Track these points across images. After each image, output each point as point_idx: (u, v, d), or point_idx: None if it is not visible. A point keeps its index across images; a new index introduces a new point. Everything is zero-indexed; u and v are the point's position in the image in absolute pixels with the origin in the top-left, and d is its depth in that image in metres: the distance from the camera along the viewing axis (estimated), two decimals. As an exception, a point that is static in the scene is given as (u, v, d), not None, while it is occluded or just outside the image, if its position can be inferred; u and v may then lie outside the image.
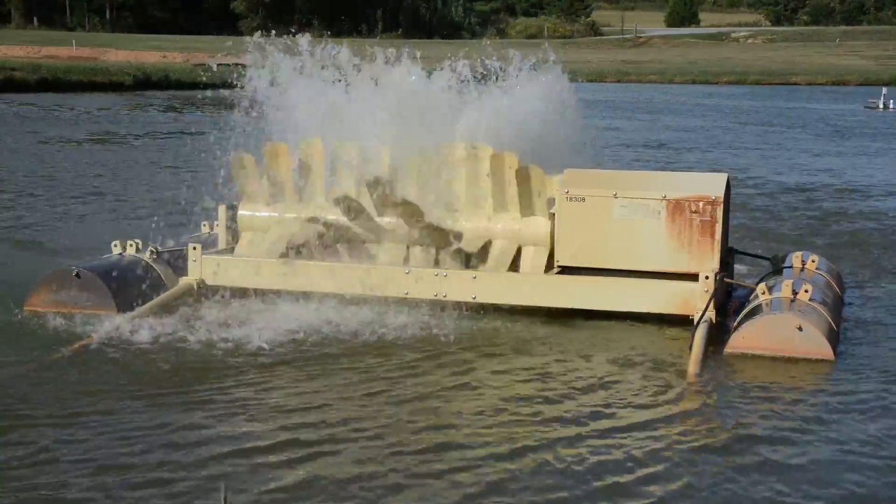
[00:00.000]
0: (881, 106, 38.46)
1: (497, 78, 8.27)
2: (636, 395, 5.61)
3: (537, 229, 7.24)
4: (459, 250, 7.28)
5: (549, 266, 7.22)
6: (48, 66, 42.60)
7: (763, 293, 6.66)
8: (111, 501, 4.16)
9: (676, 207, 6.87)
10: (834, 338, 6.38)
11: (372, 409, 5.29)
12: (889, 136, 26.58)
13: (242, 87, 7.77)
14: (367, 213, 7.38)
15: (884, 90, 39.91)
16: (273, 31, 8.00)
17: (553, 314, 7.06)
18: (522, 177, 7.12)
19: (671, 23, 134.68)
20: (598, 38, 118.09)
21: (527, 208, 7.22)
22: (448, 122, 7.56)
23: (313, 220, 7.41)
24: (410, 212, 7.22)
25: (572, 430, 5.03)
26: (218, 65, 9.03)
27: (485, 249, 7.30)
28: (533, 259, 7.26)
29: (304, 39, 7.93)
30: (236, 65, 8.04)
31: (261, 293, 7.25)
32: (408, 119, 7.39)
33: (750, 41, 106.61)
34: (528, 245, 7.28)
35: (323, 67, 7.92)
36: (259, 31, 8.06)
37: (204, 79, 8.28)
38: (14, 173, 14.97)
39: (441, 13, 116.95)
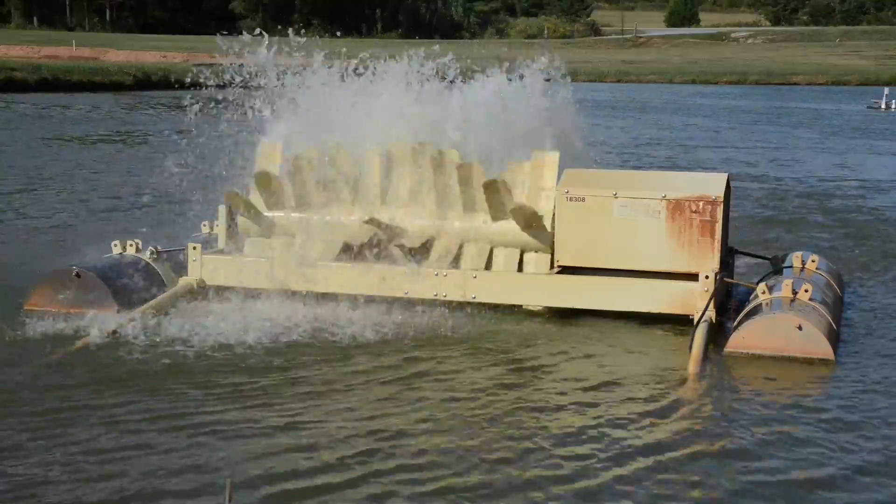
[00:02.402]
0: (884, 106, 38.56)
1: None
2: (636, 394, 5.60)
3: None
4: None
5: None
6: (48, 66, 42.64)
7: (763, 293, 6.66)
8: (113, 500, 4.16)
9: (676, 207, 6.87)
10: (834, 337, 6.38)
11: (372, 408, 5.29)
12: (893, 135, 26.60)
13: (244, 87, 7.76)
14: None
15: (886, 90, 40.00)
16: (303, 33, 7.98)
17: (553, 313, 7.06)
18: None
19: (671, 23, 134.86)
20: (598, 38, 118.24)
21: None
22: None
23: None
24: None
25: (570, 430, 5.02)
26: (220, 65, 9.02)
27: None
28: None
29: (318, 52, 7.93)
30: (240, 65, 8.03)
31: (262, 293, 7.24)
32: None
33: (750, 41, 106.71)
34: None
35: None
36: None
37: (201, 79, 8.24)
38: (14, 172, 14.97)
39: (441, 13, 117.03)
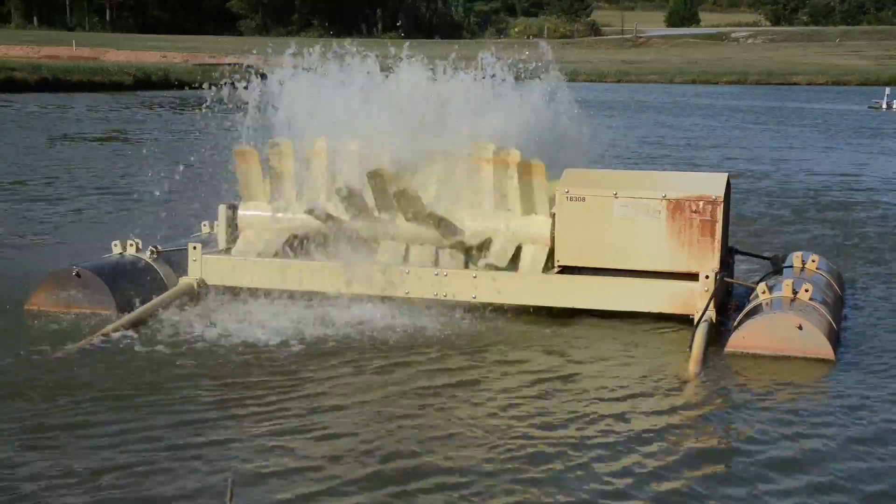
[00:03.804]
0: (885, 105, 38.65)
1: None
2: (636, 394, 5.60)
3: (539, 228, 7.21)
4: (461, 243, 7.22)
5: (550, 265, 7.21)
6: (48, 66, 42.66)
7: (763, 292, 6.66)
8: (113, 500, 4.16)
9: (677, 207, 6.87)
10: (834, 337, 6.39)
11: (372, 409, 5.29)
12: (894, 135, 26.61)
13: (245, 87, 7.76)
14: (368, 208, 7.34)
15: (887, 90, 40.11)
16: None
17: (553, 313, 7.05)
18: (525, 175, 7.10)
19: (671, 23, 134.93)
20: (598, 38, 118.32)
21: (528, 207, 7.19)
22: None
23: (310, 214, 7.37)
24: (414, 208, 7.15)
25: (570, 430, 5.02)
26: (226, 65, 9.00)
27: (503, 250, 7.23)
28: (533, 256, 7.23)
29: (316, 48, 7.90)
30: (239, 65, 8.03)
31: (262, 293, 7.24)
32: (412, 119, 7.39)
33: (750, 41, 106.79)
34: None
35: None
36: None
37: (199, 78, 8.22)
38: (14, 172, 14.98)
39: (441, 13, 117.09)
